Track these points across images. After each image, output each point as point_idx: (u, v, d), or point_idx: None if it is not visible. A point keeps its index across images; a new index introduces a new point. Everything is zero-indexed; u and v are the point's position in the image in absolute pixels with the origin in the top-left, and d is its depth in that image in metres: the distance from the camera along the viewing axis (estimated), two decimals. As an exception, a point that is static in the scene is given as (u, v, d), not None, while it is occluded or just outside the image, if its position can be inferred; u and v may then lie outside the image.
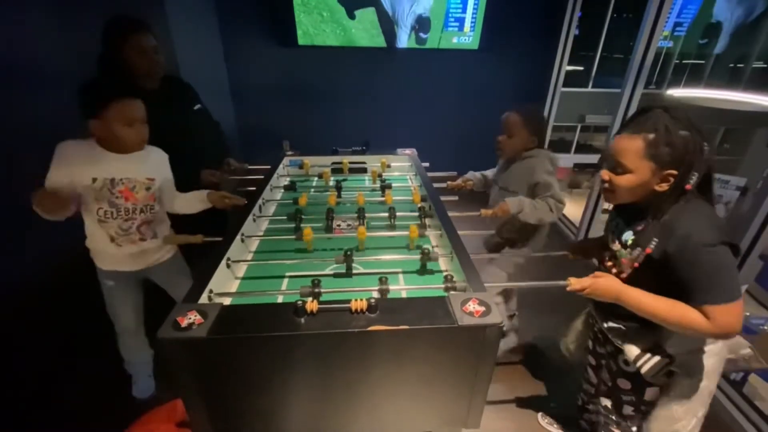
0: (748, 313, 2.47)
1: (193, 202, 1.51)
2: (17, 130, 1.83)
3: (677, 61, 3.88)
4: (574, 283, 1.02)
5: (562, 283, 1.05)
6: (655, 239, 0.93)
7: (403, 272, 1.19)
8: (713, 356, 1.06)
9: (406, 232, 1.36)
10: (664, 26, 2.30)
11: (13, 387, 1.76)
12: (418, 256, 1.20)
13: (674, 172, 0.90)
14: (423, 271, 1.21)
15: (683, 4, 3.63)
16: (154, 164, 1.41)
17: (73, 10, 2.08)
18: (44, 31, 1.98)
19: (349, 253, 1.17)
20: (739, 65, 3.89)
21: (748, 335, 2.21)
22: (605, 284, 0.99)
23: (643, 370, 1.04)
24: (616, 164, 0.96)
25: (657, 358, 1.03)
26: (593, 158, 2.79)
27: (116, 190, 1.32)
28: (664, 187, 0.92)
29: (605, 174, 0.99)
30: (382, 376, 0.92)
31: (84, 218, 1.37)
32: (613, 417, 1.21)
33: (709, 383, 1.08)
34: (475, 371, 0.92)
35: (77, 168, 1.26)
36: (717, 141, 4.02)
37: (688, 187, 0.90)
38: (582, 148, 4.11)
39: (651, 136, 0.89)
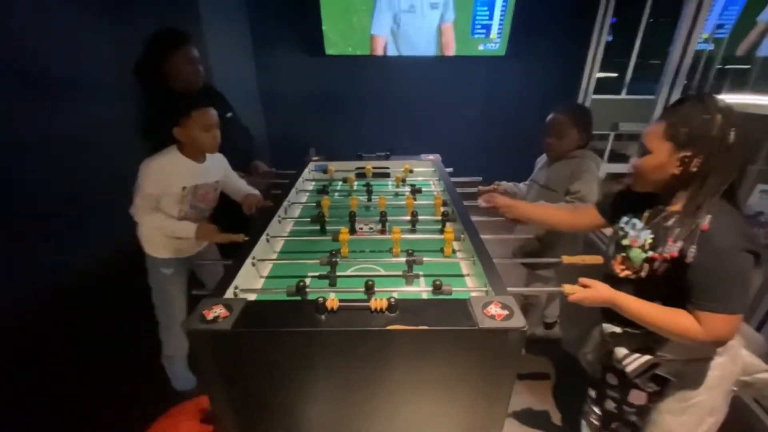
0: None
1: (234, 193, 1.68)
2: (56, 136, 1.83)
3: (719, 66, 3.68)
4: (567, 290, 1.01)
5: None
6: (681, 241, 0.89)
7: (424, 275, 1.19)
8: (716, 369, 0.99)
9: (427, 236, 1.35)
10: (702, 28, 2.19)
11: (46, 381, 1.84)
12: (404, 259, 1.18)
13: (689, 153, 0.89)
14: (411, 274, 1.17)
15: (725, 4, 3.45)
16: (217, 168, 1.58)
17: (114, 22, 2.16)
18: (87, 41, 2.07)
19: (334, 256, 1.19)
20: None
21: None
22: (594, 296, 0.98)
23: (628, 369, 1.02)
24: (642, 148, 0.97)
25: (643, 359, 1.01)
26: (627, 167, 2.69)
27: (198, 194, 1.50)
28: (679, 171, 0.91)
29: (634, 159, 1.00)
30: (400, 377, 0.92)
31: (145, 214, 1.45)
32: (595, 408, 1.22)
33: (708, 398, 1.00)
34: (496, 377, 0.90)
35: (168, 180, 1.41)
36: (765, 150, 3.76)
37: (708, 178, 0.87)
38: (616, 157, 3.96)
39: (673, 118, 0.91)
